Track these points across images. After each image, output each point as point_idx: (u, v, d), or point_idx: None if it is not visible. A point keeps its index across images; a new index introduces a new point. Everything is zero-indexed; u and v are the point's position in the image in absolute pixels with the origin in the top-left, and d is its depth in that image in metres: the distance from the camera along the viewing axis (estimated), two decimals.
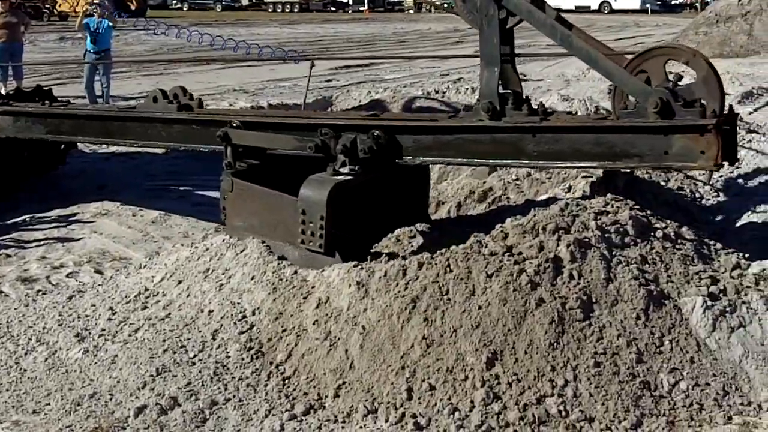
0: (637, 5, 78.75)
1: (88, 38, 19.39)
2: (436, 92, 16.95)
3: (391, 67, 28.82)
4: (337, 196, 6.90)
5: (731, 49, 31.15)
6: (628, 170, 7.82)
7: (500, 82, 7.10)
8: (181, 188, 12.18)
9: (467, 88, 17.38)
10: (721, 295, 5.94)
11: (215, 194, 11.65)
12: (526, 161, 7.07)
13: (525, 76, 22.70)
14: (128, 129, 9.48)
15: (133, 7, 58.41)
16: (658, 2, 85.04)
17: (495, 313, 5.59)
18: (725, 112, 6.46)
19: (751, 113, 17.42)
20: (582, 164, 6.90)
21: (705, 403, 5.35)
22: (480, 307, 5.64)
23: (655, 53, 6.72)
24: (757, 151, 9.59)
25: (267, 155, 7.91)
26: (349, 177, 7.11)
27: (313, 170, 7.18)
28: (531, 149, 6.92)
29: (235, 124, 7.84)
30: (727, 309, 5.81)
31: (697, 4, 76.94)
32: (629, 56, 7.00)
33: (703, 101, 6.39)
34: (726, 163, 6.83)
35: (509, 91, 7.16)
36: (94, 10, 19.57)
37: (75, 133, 10.33)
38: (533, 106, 7.21)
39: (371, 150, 7.19)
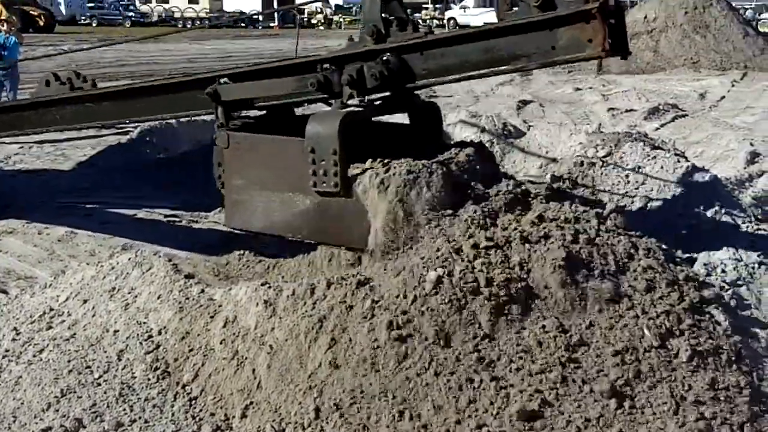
0: None
1: None
2: None
3: None
4: (349, 127, 6.37)
5: (637, 66, 31.80)
6: (518, 73, 7.66)
7: (384, 9, 6.93)
8: (88, 206, 12.01)
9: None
10: None
11: (123, 211, 11.65)
12: (420, 81, 6.80)
13: (434, 92, 22.89)
14: (24, 119, 9.46)
15: (41, 23, 57.80)
16: None
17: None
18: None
19: (657, 129, 17.81)
20: (472, 73, 6.61)
21: None
22: None
23: None
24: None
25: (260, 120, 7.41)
26: (360, 108, 6.61)
27: None
28: (420, 68, 6.73)
29: (223, 81, 7.31)
30: None
31: None
32: None
33: None
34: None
35: (393, 17, 6.96)
36: (1, 26, 19.29)
37: None
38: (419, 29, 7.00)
39: (381, 76, 6.61)
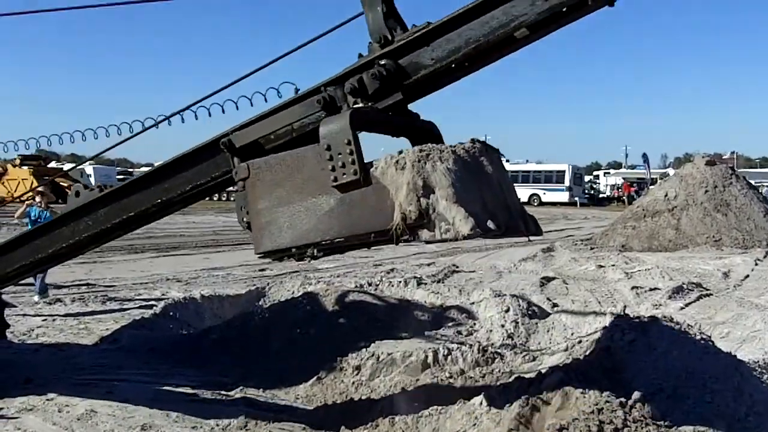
0: (565, 198, 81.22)
1: (29, 227, 19.37)
2: (369, 284, 17.03)
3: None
4: (359, 120, 6.70)
5: (659, 243, 31.99)
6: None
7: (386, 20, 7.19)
8: (110, 382, 11.94)
9: (400, 281, 17.50)
10: None
11: (144, 387, 11.56)
12: (431, 69, 6.97)
13: (457, 267, 22.93)
14: (57, 236, 9.54)
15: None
16: (586, 195, 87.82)
17: None
18: None
19: (682, 308, 17.72)
20: (479, 43, 6.72)
21: None
22: None
23: None
24: None
25: None
26: (367, 109, 6.95)
27: None
28: (429, 59, 6.95)
29: (235, 132, 7.63)
30: None
31: (624, 198, 79.23)
32: None
33: None
34: None
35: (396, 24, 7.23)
36: (38, 204, 19.68)
37: (4, 268, 10.12)
38: None
39: (381, 76, 6.95)
